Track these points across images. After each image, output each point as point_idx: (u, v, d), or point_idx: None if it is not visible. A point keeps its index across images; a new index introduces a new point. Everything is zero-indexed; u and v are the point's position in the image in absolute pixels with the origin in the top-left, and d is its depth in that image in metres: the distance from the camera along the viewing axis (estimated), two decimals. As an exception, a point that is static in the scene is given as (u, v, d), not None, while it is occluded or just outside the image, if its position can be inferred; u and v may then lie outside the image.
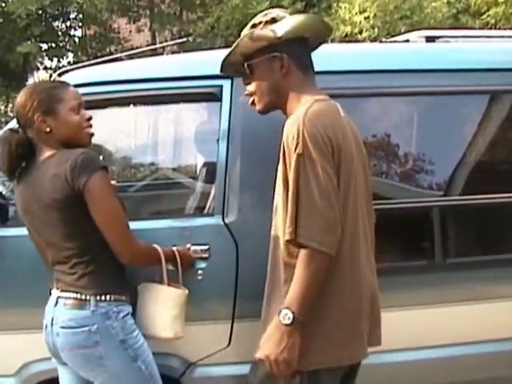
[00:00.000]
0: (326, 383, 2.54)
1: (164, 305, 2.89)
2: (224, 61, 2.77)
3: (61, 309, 2.75)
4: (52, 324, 2.76)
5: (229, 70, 2.84)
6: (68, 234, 2.69)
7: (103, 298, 2.72)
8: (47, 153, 2.73)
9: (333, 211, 2.37)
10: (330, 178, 2.38)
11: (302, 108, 2.49)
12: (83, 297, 2.71)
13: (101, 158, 2.93)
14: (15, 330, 3.15)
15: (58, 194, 2.61)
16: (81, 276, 2.72)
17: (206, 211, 3.35)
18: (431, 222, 3.36)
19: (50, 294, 2.84)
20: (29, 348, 3.16)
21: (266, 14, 2.65)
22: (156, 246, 2.89)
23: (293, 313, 2.36)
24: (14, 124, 2.92)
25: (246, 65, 2.68)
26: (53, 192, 2.62)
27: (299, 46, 2.62)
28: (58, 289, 2.80)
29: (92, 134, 2.84)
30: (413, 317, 3.31)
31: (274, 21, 2.61)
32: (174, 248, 2.98)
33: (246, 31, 2.66)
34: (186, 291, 2.95)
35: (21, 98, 2.78)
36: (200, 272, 3.10)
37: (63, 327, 2.72)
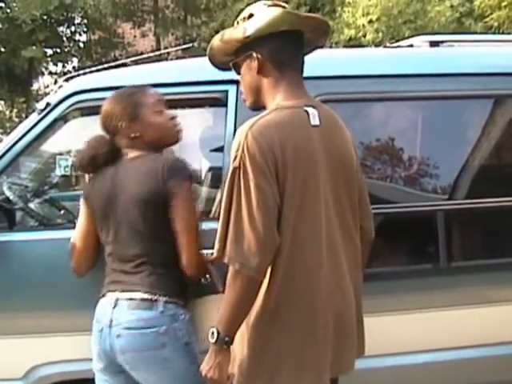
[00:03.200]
0: None
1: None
2: (211, 62, 2.72)
3: (123, 309, 2.71)
4: (111, 326, 2.71)
5: (223, 69, 2.75)
6: (145, 231, 2.73)
7: (172, 299, 2.72)
8: (134, 153, 2.82)
9: (261, 232, 2.24)
10: (264, 197, 2.25)
11: (257, 117, 2.37)
12: (152, 297, 2.69)
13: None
14: (23, 333, 3.16)
15: (147, 190, 2.68)
16: (149, 275, 2.72)
17: (212, 215, 3.36)
18: (437, 226, 3.36)
19: (103, 296, 2.80)
20: (37, 351, 3.17)
21: (247, 10, 2.52)
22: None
23: (218, 331, 2.34)
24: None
25: (231, 64, 2.62)
26: (142, 188, 2.70)
27: (275, 42, 2.44)
28: (115, 290, 2.77)
29: (179, 131, 2.94)
30: (419, 320, 3.33)
31: (251, 16, 2.47)
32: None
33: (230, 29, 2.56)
34: None
35: (105, 107, 2.86)
36: (207, 276, 3.11)
37: (128, 328, 2.68)
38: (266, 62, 2.45)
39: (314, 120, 2.42)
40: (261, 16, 2.43)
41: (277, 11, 2.42)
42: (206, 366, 2.39)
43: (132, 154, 2.83)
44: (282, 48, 2.46)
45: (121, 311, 2.71)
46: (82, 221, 2.93)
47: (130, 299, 2.71)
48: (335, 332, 2.45)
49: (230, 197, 2.30)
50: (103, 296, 2.81)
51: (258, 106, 2.55)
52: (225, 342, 2.35)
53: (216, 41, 2.58)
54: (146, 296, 2.70)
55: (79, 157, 2.90)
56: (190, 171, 2.77)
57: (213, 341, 2.35)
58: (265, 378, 2.41)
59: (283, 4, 2.50)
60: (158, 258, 2.74)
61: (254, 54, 2.46)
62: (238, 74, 2.61)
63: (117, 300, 2.74)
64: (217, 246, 2.34)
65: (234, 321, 2.35)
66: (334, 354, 2.46)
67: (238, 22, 2.53)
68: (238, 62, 2.57)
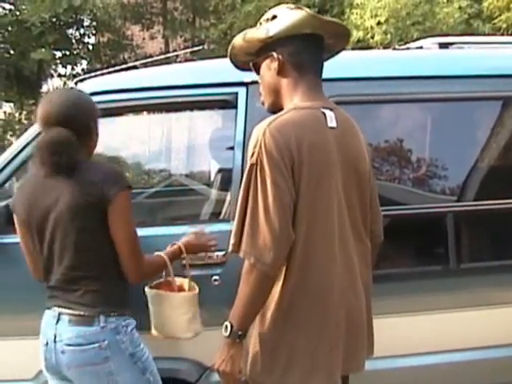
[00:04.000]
0: None
1: (179, 309, 2.89)
2: (232, 62, 2.75)
3: (65, 325, 2.68)
4: (55, 341, 2.69)
5: (244, 69, 2.78)
6: (79, 243, 2.64)
7: (111, 313, 2.68)
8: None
9: (277, 228, 2.26)
10: (280, 193, 2.27)
11: (275, 115, 2.42)
12: (91, 313, 2.66)
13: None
14: (33, 334, 3.16)
15: (82, 199, 2.59)
16: (85, 292, 2.67)
17: (221, 217, 3.37)
18: (447, 227, 3.37)
19: (48, 308, 2.78)
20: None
21: (271, 11, 2.56)
22: (160, 253, 2.87)
23: (231, 325, 2.36)
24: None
25: (251, 64, 2.66)
26: (76, 197, 2.60)
27: (296, 44, 2.49)
28: (58, 305, 2.72)
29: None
30: (428, 321, 3.34)
31: (274, 18, 2.51)
32: (180, 242, 2.97)
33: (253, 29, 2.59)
34: (197, 289, 2.95)
35: (84, 105, 2.79)
36: (216, 278, 3.13)
37: (70, 344, 2.65)
38: (286, 63, 2.49)
39: (331, 122, 2.45)
40: (284, 18, 2.47)
41: (300, 14, 2.46)
42: (219, 360, 2.41)
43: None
44: (303, 50, 2.50)
45: (63, 327, 2.68)
46: (20, 234, 2.86)
47: (70, 315, 2.68)
48: (347, 330, 2.47)
49: (246, 192, 2.33)
50: (48, 308, 2.78)
51: (275, 108, 2.55)
52: (238, 336, 2.37)
53: (238, 39, 2.62)
54: (85, 313, 2.66)
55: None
56: (127, 181, 2.69)
57: (226, 334, 2.37)
58: (277, 374, 2.43)
59: (306, 8, 2.51)
60: (94, 270, 2.68)
61: (275, 55, 2.50)
62: (258, 74, 2.64)
63: (59, 314, 2.71)
64: (232, 240, 2.36)
65: (248, 315, 2.37)
66: (346, 352, 2.48)
67: (260, 23, 2.56)
68: (258, 62, 2.60)
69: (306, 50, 2.50)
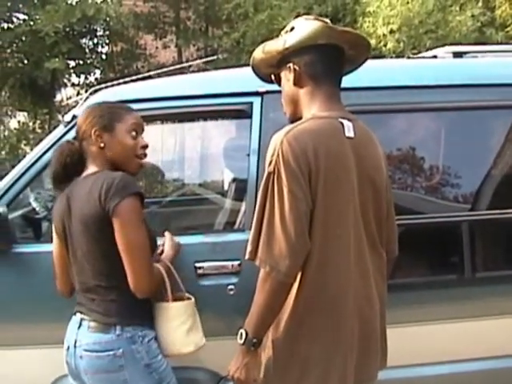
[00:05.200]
0: None
1: (175, 321, 2.80)
2: (256, 73, 2.79)
3: (85, 331, 2.70)
4: (75, 346, 2.71)
5: (268, 81, 2.80)
6: (92, 254, 2.65)
7: (128, 323, 2.68)
8: (91, 170, 2.73)
9: (293, 236, 2.26)
10: (297, 201, 2.27)
11: (293, 124, 2.42)
12: (108, 321, 2.67)
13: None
14: (49, 343, 3.18)
15: (89, 210, 2.59)
16: (103, 301, 2.69)
17: (236, 227, 3.37)
18: (462, 237, 3.36)
19: (74, 314, 2.81)
20: (62, 362, 3.19)
21: (291, 24, 2.58)
22: (156, 264, 2.76)
23: (246, 333, 2.38)
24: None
25: (273, 76, 2.69)
26: (85, 208, 2.61)
27: (312, 55, 2.50)
28: (81, 312, 2.76)
29: (142, 164, 2.83)
30: (443, 331, 3.33)
31: (293, 29, 2.54)
32: (164, 256, 2.93)
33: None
34: (192, 299, 2.89)
35: (84, 112, 2.83)
36: (231, 287, 3.13)
37: (87, 350, 2.67)
38: (302, 74, 2.51)
39: (349, 132, 2.46)
40: (300, 29, 2.50)
41: (316, 24, 2.48)
42: (233, 367, 2.43)
43: (90, 169, 2.75)
44: (319, 61, 2.50)
45: (83, 332, 2.71)
46: (54, 243, 2.90)
47: (90, 321, 2.70)
48: (360, 340, 2.47)
49: (263, 201, 2.34)
50: (74, 313, 2.81)
51: (296, 118, 2.56)
52: (252, 344, 2.38)
53: (258, 52, 2.66)
54: (102, 321, 2.67)
55: (52, 171, 2.81)
56: (135, 189, 2.61)
57: (241, 342, 2.39)
58: (290, 383, 2.43)
59: (325, 19, 2.53)
60: (111, 280, 2.67)
61: (292, 66, 2.52)
62: (279, 85, 2.66)
63: (81, 320, 2.74)
64: (249, 247, 2.36)
65: (263, 323, 2.38)
66: (358, 361, 2.48)
67: (281, 35, 2.58)
68: (278, 74, 2.64)
69: (322, 61, 2.51)
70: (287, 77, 2.56)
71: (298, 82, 2.53)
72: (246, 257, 2.38)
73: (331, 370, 2.41)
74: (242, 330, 2.39)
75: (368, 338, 2.51)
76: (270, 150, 2.36)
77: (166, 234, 3.10)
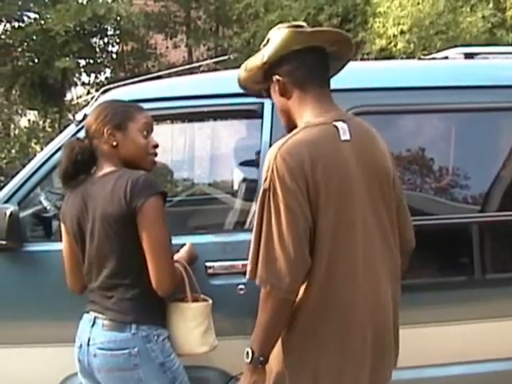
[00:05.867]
0: None
1: (193, 322, 2.83)
2: (247, 92, 2.83)
3: (99, 330, 2.71)
4: (89, 344, 2.72)
5: (260, 97, 2.85)
6: (113, 252, 2.67)
7: (143, 322, 2.69)
8: (106, 169, 2.75)
9: (291, 253, 2.24)
10: (295, 217, 2.25)
11: (287, 136, 2.39)
12: (124, 320, 2.69)
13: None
14: (58, 342, 3.19)
15: (113, 209, 2.61)
16: (121, 300, 2.70)
17: (247, 226, 3.38)
18: (472, 238, 3.36)
19: (87, 312, 2.81)
20: (72, 361, 3.19)
21: (268, 35, 2.56)
22: (176, 265, 2.81)
23: (252, 351, 2.37)
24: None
25: (264, 92, 2.68)
26: (108, 207, 2.63)
27: (290, 63, 2.47)
28: (95, 310, 2.77)
29: (155, 161, 2.87)
30: (454, 332, 3.33)
31: (268, 42, 2.52)
32: (179, 257, 2.94)
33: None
34: (210, 301, 2.92)
35: (94, 110, 2.85)
36: (242, 287, 3.13)
37: (101, 348, 2.69)
38: (286, 84, 2.49)
39: (345, 135, 2.41)
40: (273, 39, 2.47)
41: (283, 33, 2.44)
42: None
43: (104, 169, 2.77)
44: (297, 67, 2.47)
45: (97, 331, 2.72)
46: (63, 242, 2.92)
47: (105, 319, 2.70)
48: (374, 344, 2.44)
49: (260, 218, 2.32)
50: (87, 312, 2.82)
51: (291, 127, 2.53)
52: (259, 362, 2.37)
53: (241, 71, 2.68)
54: (117, 319, 2.69)
55: (62, 168, 2.81)
56: (160, 188, 2.67)
57: (248, 360, 2.38)
58: None
59: (300, 23, 2.51)
60: (129, 278, 2.69)
61: (275, 78, 2.50)
62: (271, 99, 2.67)
63: (95, 319, 2.74)
64: (249, 267, 2.36)
65: (268, 341, 2.37)
66: (373, 365, 2.46)
67: (260, 49, 2.57)
68: (268, 88, 2.61)
69: (301, 66, 2.48)
70: (274, 89, 2.54)
71: (284, 93, 2.50)
72: (247, 276, 2.37)
73: (342, 379, 2.40)
74: (248, 349, 2.38)
75: (382, 340, 2.48)
76: (265, 166, 2.35)
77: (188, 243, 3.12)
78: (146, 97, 3.35)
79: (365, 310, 2.40)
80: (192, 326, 2.82)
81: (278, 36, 2.46)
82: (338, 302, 2.36)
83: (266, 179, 2.31)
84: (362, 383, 2.43)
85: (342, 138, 2.40)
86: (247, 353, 2.38)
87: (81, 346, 2.77)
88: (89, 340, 2.73)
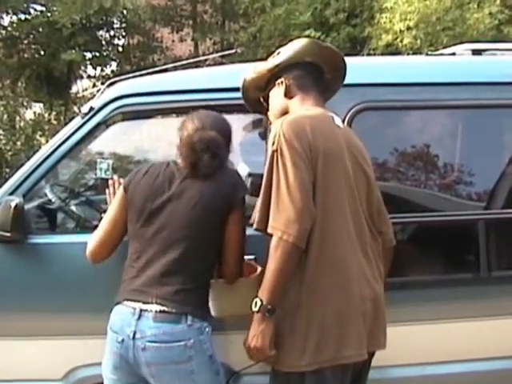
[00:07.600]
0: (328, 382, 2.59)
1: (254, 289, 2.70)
2: (245, 99, 3.11)
3: (149, 322, 2.66)
4: (134, 338, 2.66)
5: (254, 107, 3.13)
6: (196, 241, 2.74)
7: (198, 313, 2.72)
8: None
9: (299, 202, 2.48)
10: (300, 172, 2.52)
11: (289, 114, 2.76)
12: (179, 311, 2.68)
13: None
14: (63, 335, 3.19)
15: (211, 199, 2.75)
16: (178, 290, 2.69)
17: (252, 221, 3.37)
18: (478, 235, 3.35)
19: (121, 303, 2.76)
20: (77, 353, 3.20)
21: (277, 51, 2.95)
22: None
23: (261, 300, 2.50)
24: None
25: (262, 98, 3.02)
26: (206, 195, 2.74)
27: (300, 70, 2.88)
28: (139, 301, 2.71)
29: None
30: (459, 329, 3.33)
31: (279, 53, 2.93)
32: None
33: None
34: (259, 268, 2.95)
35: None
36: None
37: (154, 341, 2.64)
38: (291, 86, 2.88)
39: (338, 122, 2.82)
40: (288, 48, 2.90)
41: (301, 42, 2.91)
42: (250, 336, 2.53)
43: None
44: (306, 75, 2.89)
45: (146, 323, 2.67)
46: (113, 207, 2.91)
47: (156, 311, 2.67)
48: (370, 307, 2.66)
49: (269, 176, 2.59)
50: (120, 303, 2.77)
51: None
52: (267, 310, 2.50)
53: (249, 73, 3.03)
54: (173, 310, 2.67)
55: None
56: (247, 188, 2.91)
57: (256, 309, 2.51)
58: (310, 351, 2.56)
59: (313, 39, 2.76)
60: (192, 267, 2.73)
61: (282, 80, 2.89)
62: (267, 107, 2.98)
63: (141, 311, 2.69)
64: (256, 218, 2.62)
65: (277, 289, 2.51)
66: (369, 326, 2.65)
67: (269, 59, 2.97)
68: (269, 92, 2.97)
69: (308, 75, 2.90)
70: (277, 92, 2.91)
71: (288, 94, 2.88)
72: (254, 227, 2.62)
73: (347, 332, 2.58)
74: (257, 299, 2.52)
75: (375, 302, 2.69)
76: (272, 134, 2.63)
77: None
78: (154, 90, 3.38)
79: (357, 268, 2.64)
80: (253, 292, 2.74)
81: (293, 45, 2.89)
82: (336, 254, 2.60)
83: (273, 143, 2.59)
84: (364, 338, 2.63)
85: (336, 123, 2.79)
86: (255, 302, 2.52)
87: (122, 340, 2.70)
88: (134, 333, 2.67)
